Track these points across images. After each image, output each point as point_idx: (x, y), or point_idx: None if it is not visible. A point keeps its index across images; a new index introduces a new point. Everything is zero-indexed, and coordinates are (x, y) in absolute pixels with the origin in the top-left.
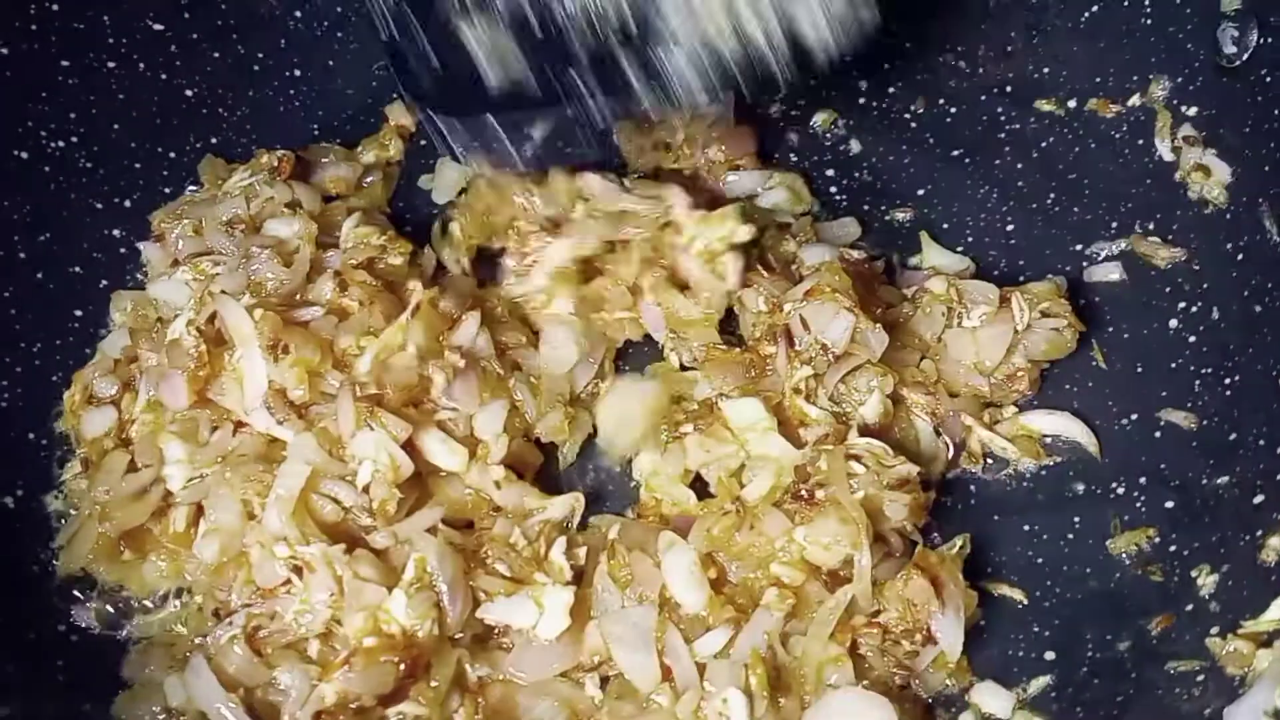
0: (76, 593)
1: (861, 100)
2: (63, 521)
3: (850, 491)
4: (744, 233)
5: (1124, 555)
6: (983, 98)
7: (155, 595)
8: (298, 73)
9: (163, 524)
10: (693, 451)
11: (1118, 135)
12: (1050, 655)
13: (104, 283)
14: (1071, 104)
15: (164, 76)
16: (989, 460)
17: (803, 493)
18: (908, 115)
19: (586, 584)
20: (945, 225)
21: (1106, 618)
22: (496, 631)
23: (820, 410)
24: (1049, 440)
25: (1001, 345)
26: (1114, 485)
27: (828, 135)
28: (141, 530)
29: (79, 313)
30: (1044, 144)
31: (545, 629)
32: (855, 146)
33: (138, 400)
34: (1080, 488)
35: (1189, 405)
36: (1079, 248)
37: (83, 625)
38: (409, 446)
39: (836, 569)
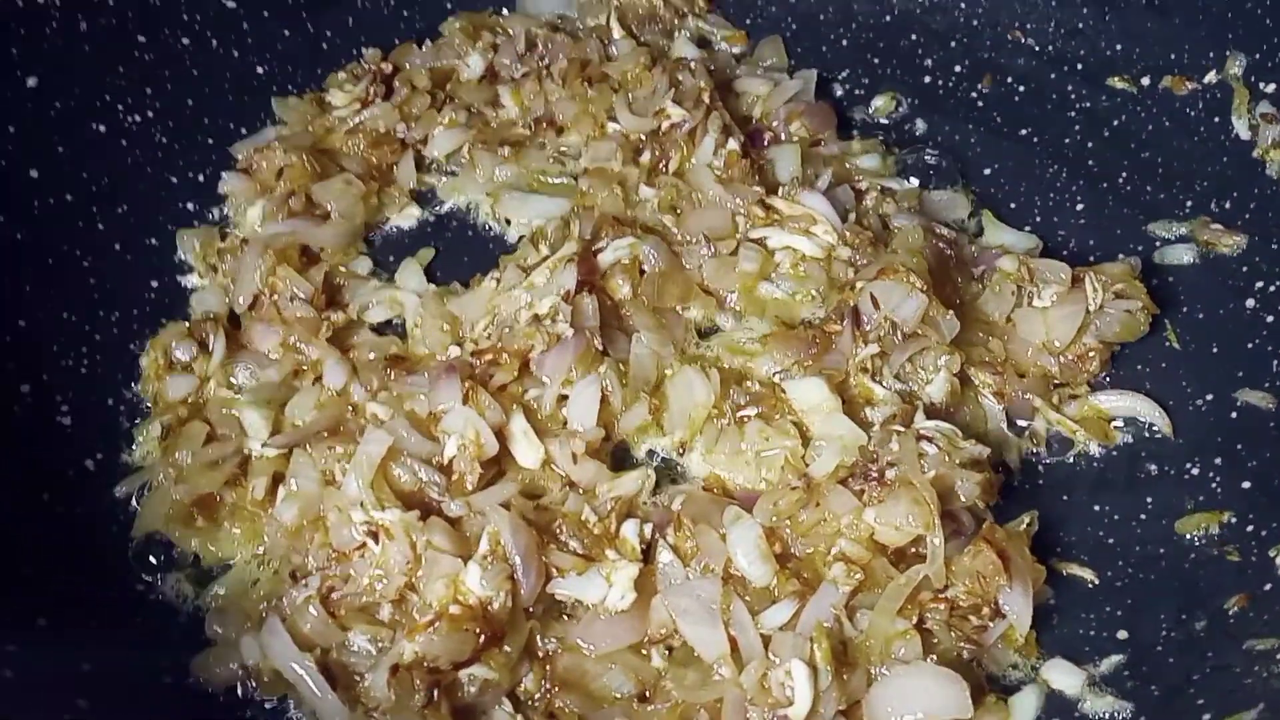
0: (152, 557)
1: (927, 79)
2: (139, 487)
3: (921, 472)
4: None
5: (1196, 536)
6: (1052, 75)
7: (229, 559)
8: (365, 50)
9: (238, 491)
10: (751, 438)
11: (1192, 113)
12: (1123, 634)
13: (179, 255)
14: (1145, 81)
15: (236, 54)
16: (1054, 444)
17: (873, 473)
18: (974, 94)
19: (651, 558)
20: (1012, 205)
21: (1181, 597)
22: (565, 605)
23: (886, 390)
24: (1120, 422)
25: (1073, 325)
26: (1188, 466)
27: (892, 115)
28: (214, 497)
29: (154, 283)
30: (1115, 122)
31: (614, 603)
32: (920, 126)
33: (212, 360)
34: (1153, 468)
35: (1266, 385)
36: (1150, 228)
37: (160, 586)
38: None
39: (904, 546)
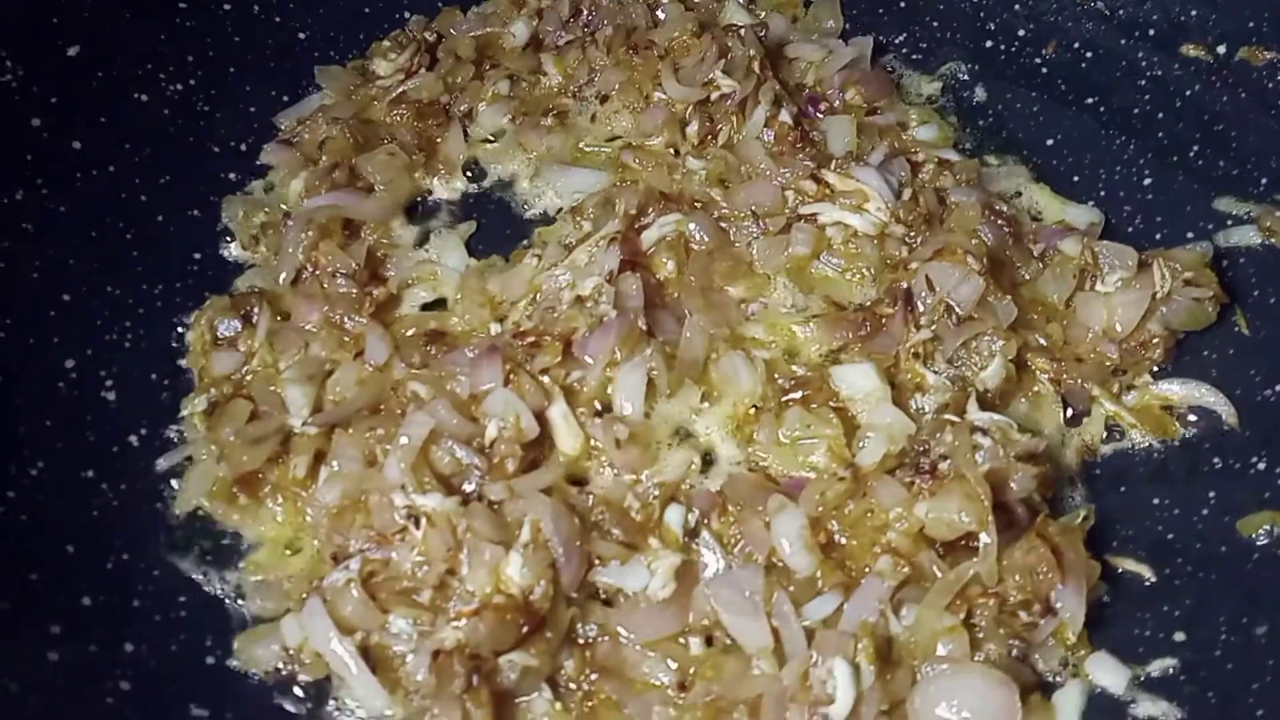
0: (194, 535)
1: (989, 44)
2: (183, 461)
3: (975, 465)
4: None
5: (1260, 536)
6: (1122, 41)
7: (271, 537)
8: (408, 15)
9: (280, 470)
10: (791, 424)
11: (1270, 85)
12: (1180, 636)
13: (220, 225)
14: (1221, 50)
15: (277, 19)
16: (1115, 434)
17: (924, 465)
18: (1039, 60)
19: (693, 545)
20: (1075, 178)
21: (1242, 600)
22: (604, 592)
23: (938, 376)
24: (1184, 410)
25: (1137, 312)
26: (1254, 460)
27: (951, 81)
28: (256, 474)
29: (197, 255)
30: (1188, 93)
31: (654, 592)
32: (980, 93)
33: (257, 335)
34: (1217, 462)
35: None
36: (1219, 205)
37: (202, 565)
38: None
39: (953, 540)
